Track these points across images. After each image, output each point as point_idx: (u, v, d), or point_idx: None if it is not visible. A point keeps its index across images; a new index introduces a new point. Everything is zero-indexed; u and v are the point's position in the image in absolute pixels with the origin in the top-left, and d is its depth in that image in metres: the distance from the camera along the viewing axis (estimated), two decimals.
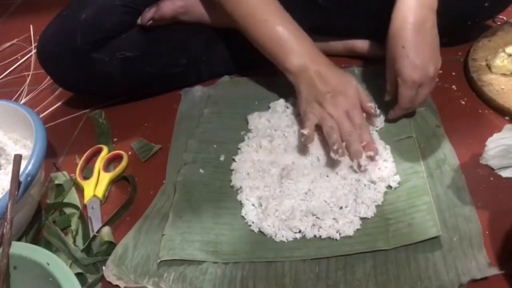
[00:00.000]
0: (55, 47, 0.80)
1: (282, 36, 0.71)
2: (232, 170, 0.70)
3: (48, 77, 0.92)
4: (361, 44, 0.86)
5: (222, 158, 0.72)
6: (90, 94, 0.91)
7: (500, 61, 0.75)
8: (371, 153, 0.65)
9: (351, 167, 0.65)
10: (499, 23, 0.87)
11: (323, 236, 0.59)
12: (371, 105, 0.69)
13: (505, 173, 0.63)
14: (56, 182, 0.74)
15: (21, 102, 0.95)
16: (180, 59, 0.86)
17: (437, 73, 0.66)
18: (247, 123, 0.77)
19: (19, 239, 0.65)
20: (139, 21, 0.81)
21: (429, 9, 0.65)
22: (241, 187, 0.67)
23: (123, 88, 0.86)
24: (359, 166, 0.64)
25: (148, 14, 0.80)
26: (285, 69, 0.72)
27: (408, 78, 0.65)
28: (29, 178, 0.60)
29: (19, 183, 0.56)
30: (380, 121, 0.73)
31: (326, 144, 0.70)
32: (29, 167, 0.61)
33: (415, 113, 0.73)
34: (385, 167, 0.65)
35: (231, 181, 0.68)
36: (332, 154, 0.65)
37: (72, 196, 0.72)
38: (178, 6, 0.81)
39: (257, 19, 0.72)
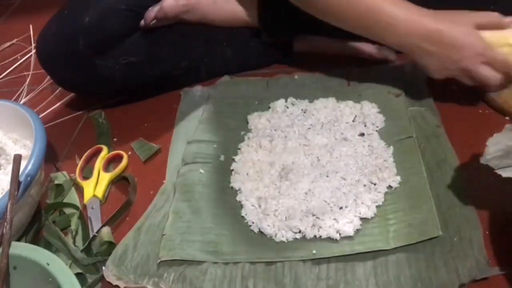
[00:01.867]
0: (56, 49, 0.79)
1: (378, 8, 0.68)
2: (232, 170, 0.70)
3: (48, 77, 0.92)
4: (365, 47, 0.86)
5: (222, 158, 0.72)
6: (90, 95, 0.91)
7: None
8: None
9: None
10: None
11: (323, 236, 0.59)
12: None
13: (505, 173, 0.63)
14: (56, 182, 0.74)
15: (21, 102, 0.95)
16: (181, 61, 0.86)
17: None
18: (247, 123, 0.77)
19: (19, 239, 0.64)
20: (142, 22, 0.81)
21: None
22: (240, 188, 0.67)
23: (123, 90, 0.87)
24: None
25: (151, 14, 0.80)
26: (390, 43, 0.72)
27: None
28: (29, 178, 0.60)
29: (19, 183, 0.56)
30: (380, 120, 0.73)
31: (326, 144, 0.70)
32: (29, 167, 0.61)
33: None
34: (386, 167, 0.65)
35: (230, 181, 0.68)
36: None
37: (72, 196, 0.72)
38: (181, 5, 0.81)
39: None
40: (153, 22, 0.80)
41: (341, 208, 0.61)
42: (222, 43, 0.88)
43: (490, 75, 0.67)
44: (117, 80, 0.82)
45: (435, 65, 0.69)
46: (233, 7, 0.85)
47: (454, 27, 0.66)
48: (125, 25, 0.80)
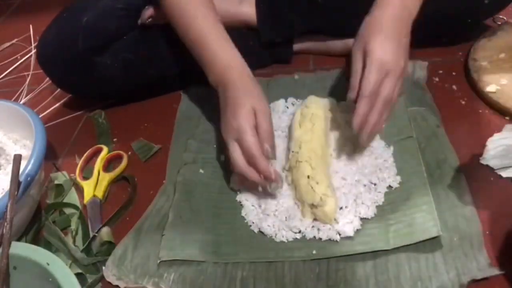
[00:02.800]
0: (56, 51, 0.79)
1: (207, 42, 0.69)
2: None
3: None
4: None
5: (222, 158, 0.72)
6: (90, 96, 0.91)
7: None
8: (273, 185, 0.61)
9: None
10: (499, 23, 0.87)
11: (323, 237, 0.59)
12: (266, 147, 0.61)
13: (505, 173, 0.63)
14: (56, 182, 0.74)
15: (21, 102, 0.95)
16: (180, 59, 0.86)
17: (403, 73, 0.62)
18: None
19: (19, 239, 0.65)
20: (139, 20, 0.81)
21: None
22: (240, 188, 0.66)
23: (123, 90, 0.86)
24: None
25: (148, 12, 0.80)
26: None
27: (378, 57, 0.59)
28: (28, 178, 0.60)
29: (19, 183, 0.56)
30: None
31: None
32: (29, 167, 0.61)
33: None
34: (386, 168, 0.65)
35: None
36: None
37: (72, 196, 0.72)
38: None
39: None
40: (149, 20, 0.80)
41: (341, 208, 0.61)
42: None
43: (235, 155, 0.61)
44: (117, 80, 0.82)
45: (222, 121, 0.66)
46: (230, 7, 0.85)
47: (238, 92, 0.64)
48: (123, 24, 0.80)
